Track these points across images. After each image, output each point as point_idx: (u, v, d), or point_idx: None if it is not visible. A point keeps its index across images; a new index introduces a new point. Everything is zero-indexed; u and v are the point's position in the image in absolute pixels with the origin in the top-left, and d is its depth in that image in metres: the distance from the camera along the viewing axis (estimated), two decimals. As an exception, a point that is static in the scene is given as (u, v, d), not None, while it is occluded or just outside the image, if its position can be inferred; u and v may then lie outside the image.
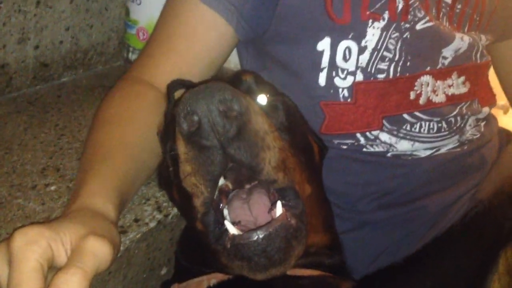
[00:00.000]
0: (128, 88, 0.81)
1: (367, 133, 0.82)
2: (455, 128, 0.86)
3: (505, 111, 1.45)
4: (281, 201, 0.58)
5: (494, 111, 0.98)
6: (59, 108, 1.03)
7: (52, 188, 0.79)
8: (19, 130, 0.94)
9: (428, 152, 0.85)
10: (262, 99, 0.66)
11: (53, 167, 0.84)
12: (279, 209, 0.57)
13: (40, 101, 1.05)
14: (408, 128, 0.82)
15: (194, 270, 0.67)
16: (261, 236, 0.54)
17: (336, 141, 0.82)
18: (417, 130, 0.83)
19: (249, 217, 0.59)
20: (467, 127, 0.88)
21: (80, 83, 1.15)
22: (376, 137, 0.82)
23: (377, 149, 0.82)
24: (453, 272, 0.72)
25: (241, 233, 0.56)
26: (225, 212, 0.59)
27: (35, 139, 0.91)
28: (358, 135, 0.82)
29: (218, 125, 0.52)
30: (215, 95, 0.52)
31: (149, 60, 0.83)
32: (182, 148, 0.55)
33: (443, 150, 0.86)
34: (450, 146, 0.86)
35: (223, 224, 0.57)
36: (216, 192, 0.57)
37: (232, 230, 0.56)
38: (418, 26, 0.80)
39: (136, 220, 0.75)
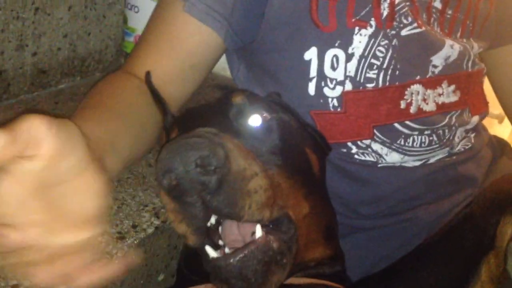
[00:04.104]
0: (112, 77, 0.83)
1: (358, 142, 0.82)
2: (445, 140, 0.86)
3: (500, 120, 1.46)
4: (261, 223, 0.57)
5: (489, 120, 0.98)
6: (56, 115, 1.03)
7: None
8: (17, 136, 0.93)
9: (418, 163, 0.85)
10: (255, 120, 0.65)
11: (51, 173, 0.83)
12: (258, 232, 0.57)
13: (38, 108, 1.05)
14: (402, 142, 0.82)
15: (195, 279, 0.67)
16: (236, 259, 0.54)
17: None
18: (410, 144, 0.83)
19: (237, 236, 0.59)
20: (456, 139, 0.88)
21: (77, 90, 1.15)
22: (368, 146, 0.82)
23: (368, 158, 0.83)
24: (434, 281, 0.72)
25: (220, 255, 0.56)
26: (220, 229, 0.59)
27: (32, 145, 0.91)
28: (350, 144, 0.82)
29: (197, 183, 0.52)
30: (190, 154, 0.52)
31: (134, 59, 0.85)
32: (165, 198, 0.56)
33: (432, 160, 0.86)
34: (440, 156, 0.87)
35: (218, 246, 0.58)
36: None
37: (212, 253, 0.57)
38: (404, 32, 0.80)
39: (133, 226, 0.76)
